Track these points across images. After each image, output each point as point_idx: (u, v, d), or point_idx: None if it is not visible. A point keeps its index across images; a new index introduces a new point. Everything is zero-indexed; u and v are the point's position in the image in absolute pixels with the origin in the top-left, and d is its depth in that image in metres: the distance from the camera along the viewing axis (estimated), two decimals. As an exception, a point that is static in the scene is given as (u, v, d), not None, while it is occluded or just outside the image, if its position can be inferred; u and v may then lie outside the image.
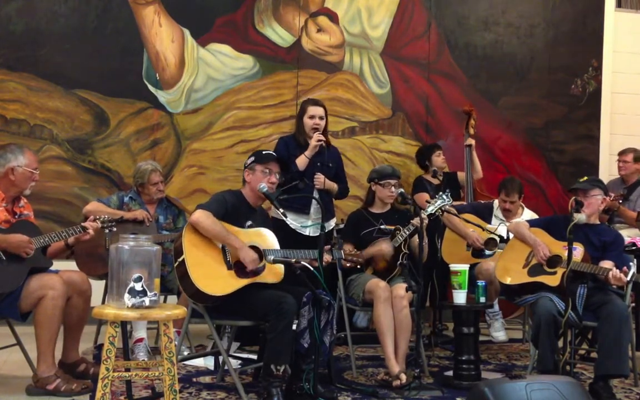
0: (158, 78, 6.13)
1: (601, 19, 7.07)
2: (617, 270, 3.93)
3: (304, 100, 5.32)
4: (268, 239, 3.97)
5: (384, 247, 4.51)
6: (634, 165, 6.16)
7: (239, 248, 3.77)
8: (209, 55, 6.25)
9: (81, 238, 3.98)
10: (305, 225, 4.86)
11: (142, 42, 6.12)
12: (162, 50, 6.15)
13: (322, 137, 4.80)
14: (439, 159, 6.02)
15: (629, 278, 3.93)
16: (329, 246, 4.03)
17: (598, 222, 4.35)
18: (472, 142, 6.01)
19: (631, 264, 4.03)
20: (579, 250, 4.08)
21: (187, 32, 6.21)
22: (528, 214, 5.27)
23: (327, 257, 3.95)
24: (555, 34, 7.00)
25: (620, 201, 5.65)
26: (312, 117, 4.89)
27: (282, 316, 3.60)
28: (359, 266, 4.25)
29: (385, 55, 6.62)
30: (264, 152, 4.13)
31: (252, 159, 4.06)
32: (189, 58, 6.20)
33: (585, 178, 4.36)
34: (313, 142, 4.80)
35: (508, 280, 4.31)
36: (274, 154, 4.16)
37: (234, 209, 3.93)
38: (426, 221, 4.45)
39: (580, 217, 4.13)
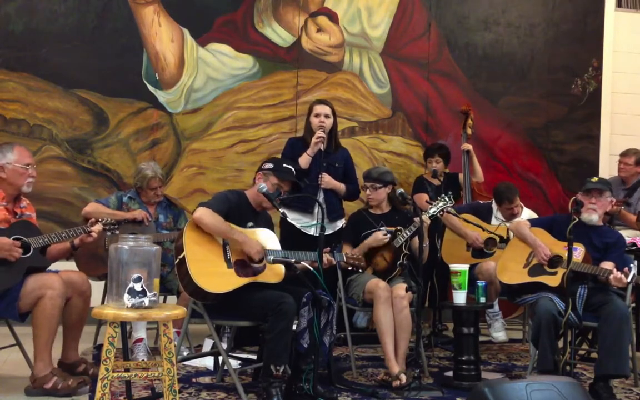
0: (157, 78, 6.12)
1: (601, 18, 7.07)
2: (618, 272, 3.92)
3: (312, 101, 5.30)
4: (268, 239, 3.96)
5: (379, 235, 4.49)
6: (635, 168, 6.09)
7: (243, 242, 3.77)
8: (209, 55, 6.24)
9: (85, 239, 3.98)
10: (308, 225, 4.86)
11: (142, 42, 6.11)
12: (162, 50, 6.14)
13: (322, 134, 4.82)
14: (430, 166, 5.92)
15: (629, 279, 3.92)
16: (329, 248, 4.03)
17: (601, 224, 4.35)
18: (469, 147, 5.98)
19: (632, 265, 4.02)
20: (579, 251, 4.08)
21: (186, 32, 6.20)
22: (527, 213, 5.26)
23: (329, 259, 3.94)
24: (555, 33, 6.99)
25: (622, 207, 5.61)
26: (317, 115, 4.92)
27: (281, 316, 3.59)
28: (360, 270, 4.25)
29: (385, 55, 6.61)
30: (284, 166, 4.06)
31: (271, 166, 4.02)
32: (189, 58, 6.19)
33: (596, 179, 4.33)
34: (314, 139, 4.83)
35: (508, 280, 4.31)
36: (293, 172, 4.09)
37: (237, 208, 3.92)
38: (428, 222, 4.45)
39: (592, 217, 4.13)
